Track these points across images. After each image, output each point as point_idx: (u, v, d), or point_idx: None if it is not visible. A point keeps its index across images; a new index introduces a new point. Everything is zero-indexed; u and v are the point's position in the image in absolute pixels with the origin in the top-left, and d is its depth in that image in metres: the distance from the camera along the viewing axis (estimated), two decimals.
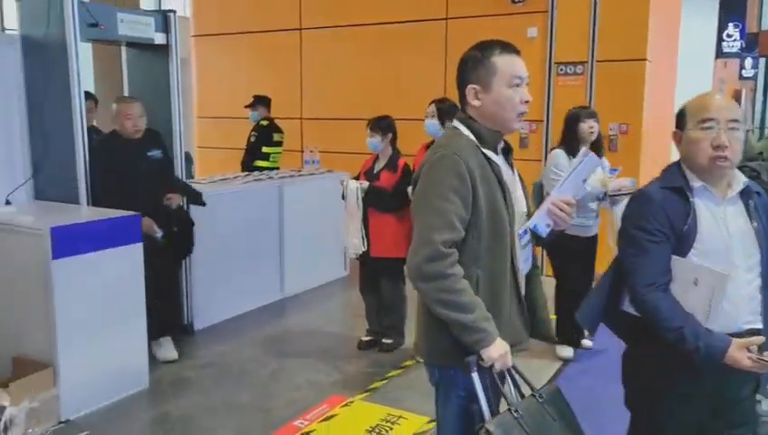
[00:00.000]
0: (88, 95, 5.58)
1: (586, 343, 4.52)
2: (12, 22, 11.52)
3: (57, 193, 4.10)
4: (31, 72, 4.09)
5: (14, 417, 3.21)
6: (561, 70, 6.40)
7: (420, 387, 3.98)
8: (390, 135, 4.38)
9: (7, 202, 3.90)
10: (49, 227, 3.38)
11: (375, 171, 4.40)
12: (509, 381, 1.89)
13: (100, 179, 4.06)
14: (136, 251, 3.80)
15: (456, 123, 1.98)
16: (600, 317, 2.17)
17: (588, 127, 4.20)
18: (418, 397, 3.85)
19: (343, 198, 4.38)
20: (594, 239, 4.38)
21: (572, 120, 4.26)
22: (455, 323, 1.81)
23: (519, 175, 2.08)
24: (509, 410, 1.82)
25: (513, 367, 1.88)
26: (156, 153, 4.28)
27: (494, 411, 1.86)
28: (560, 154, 4.22)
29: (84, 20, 4.01)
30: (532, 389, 1.92)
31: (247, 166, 6.63)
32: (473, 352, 1.82)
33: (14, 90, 4.08)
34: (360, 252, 4.30)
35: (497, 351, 1.81)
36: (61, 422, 3.47)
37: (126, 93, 4.90)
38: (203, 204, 4.53)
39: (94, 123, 5.40)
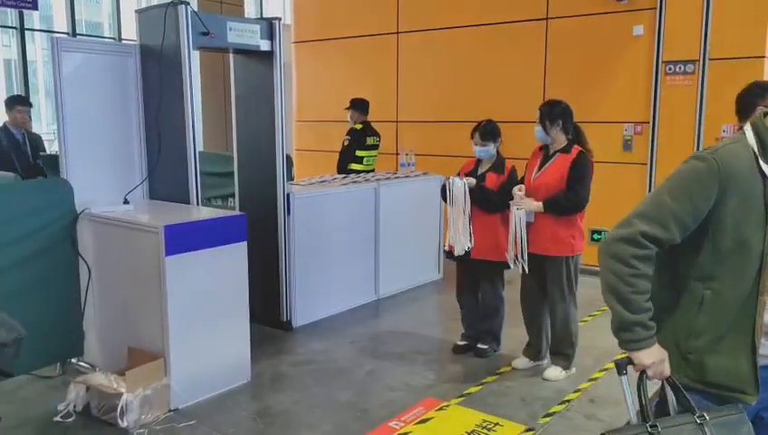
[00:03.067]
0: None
1: None
2: (127, 32, 12.29)
3: (169, 193, 4.34)
4: (148, 79, 4.33)
5: (129, 403, 3.44)
6: (670, 69, 6.10)
7: (516, 394, 3.92)
8: (500, 139, 4.35)
9: (125, 201, 4.14)
10: (163, 226, 3.56)
11: (479, 173, 4.35)
12: (671, 393, 1.77)
13: None
14: (240, 249, 3.95)
15: (747, 125, 1.72)
16: None
17: None
18: (514, 404, 3.79)
19: (443, 197, 4.36)
20: None
21: None
22: (614, 312, 1.72)
23: None
24: (645, 423, 1.69)
25: (670, 380, 1.76)
26: None
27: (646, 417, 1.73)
28: None
29: (197, 29, 4.22)
30: (690, 407, 1.73)
31: (341, 169, 6.75)
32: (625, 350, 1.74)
33: (133, 96, 4.34)
34: (468, 248, 4.23)
35: (649, 357, 1.71)
36: (170, 411, 3.65)
37: (233, 98, 5.11)
38: None
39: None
